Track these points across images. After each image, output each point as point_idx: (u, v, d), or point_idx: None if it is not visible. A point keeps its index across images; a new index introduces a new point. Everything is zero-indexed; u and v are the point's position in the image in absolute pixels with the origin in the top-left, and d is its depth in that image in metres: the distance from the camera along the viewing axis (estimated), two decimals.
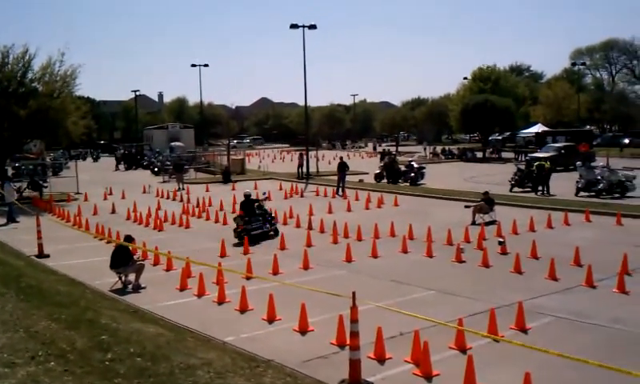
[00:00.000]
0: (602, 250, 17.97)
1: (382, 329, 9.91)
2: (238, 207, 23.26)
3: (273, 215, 22.36)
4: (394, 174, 40.60)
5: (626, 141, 76.13)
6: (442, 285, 14.56)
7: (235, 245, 19.91)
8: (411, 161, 43.83)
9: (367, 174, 44.52)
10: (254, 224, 20.96)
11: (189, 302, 13.56)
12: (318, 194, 34.61)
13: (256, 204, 21.76)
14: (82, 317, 10.91)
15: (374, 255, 17.97)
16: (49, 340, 9.22)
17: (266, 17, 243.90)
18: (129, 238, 15.63)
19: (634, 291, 13.53)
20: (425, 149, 73.20)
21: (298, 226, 23.61)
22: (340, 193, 34.21)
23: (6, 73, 33.82)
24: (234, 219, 21.45)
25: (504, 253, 17.77)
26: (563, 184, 33.25)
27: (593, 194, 30.33)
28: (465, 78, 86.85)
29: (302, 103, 55.00)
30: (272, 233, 21.51)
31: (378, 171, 42.04)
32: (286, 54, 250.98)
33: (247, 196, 21.77)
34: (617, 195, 29.84)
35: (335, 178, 36.90)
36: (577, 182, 31.65)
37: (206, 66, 74.41)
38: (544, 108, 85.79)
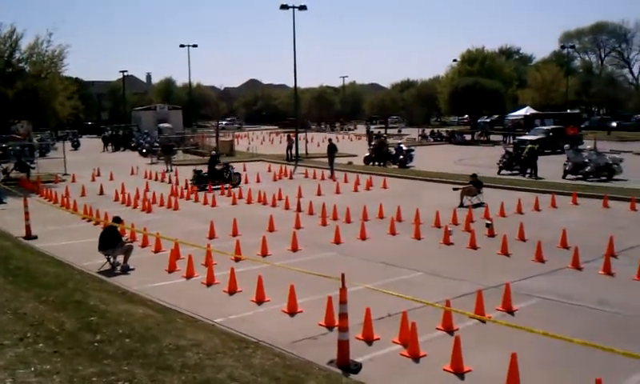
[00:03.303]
0: (589, 233, 18.12)
1: (370, 310, 9.99)
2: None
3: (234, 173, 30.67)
4: (383, 157, 40.64)
5: (614, 124, 76.62)
6: (429, 266, 14.64)
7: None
8: (400, 143, 43.84)
9: (356, 156, 44.51)
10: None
11: (177, 284, 13.57)
12: (307, 176, 34.60)
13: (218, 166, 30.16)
14: (71, 298, 10.90)
15: (363, 237, 18.03)
16: (37, 321, 9.21)
17: None
18: (117, 220, 15.59)
19: (619, 273, 13.68)
20: (399, 130, 72.92)
21: (287, 207, 23.63)
22: (332, 174, 34.19)
23: None
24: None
25: (491, 235, 17.88)
26: (551, 167, 33.42)
27: (580, 176, 30.55)
28: (454, 61, 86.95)
29: (291, 85, 54.64)
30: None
31: (368, 154, 42.07)
32: (275, 36, 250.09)
33: (213, 156, 30.99)
34: (604, 178, 30.05)
35: (325, 160, 36.75)
36: (564, 164, 31.84)
37: (195, 46, 74.03)
38: (533, 91, 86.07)
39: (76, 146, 62.72)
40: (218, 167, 30.27)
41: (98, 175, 35.25)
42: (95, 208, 22.55)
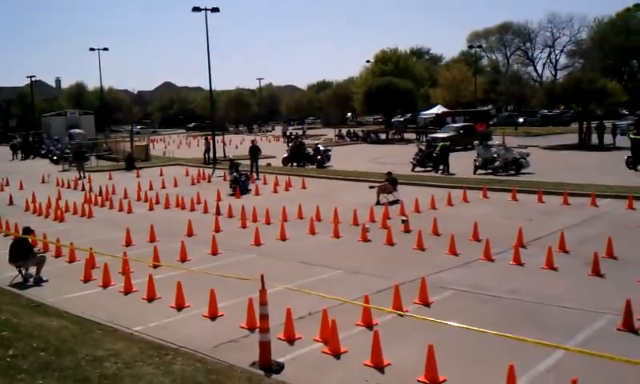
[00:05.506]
0: (499, 225, 18.82)
1: (291, 310, 10.07)
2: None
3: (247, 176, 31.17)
4: (300, 157, 40.86)
5: (521, 120, 79.83)
6: (348, 264, 14.89)
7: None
8: (317, 144, 44.19)
9: (275, 157, 44.54)
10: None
11: (94, 294, 13.26)
12: (225, 179, 34.31)
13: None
14: None
15: (283, 238, 18.12)
16: None
17: None
18: (28, 230, 15.07)
19: (528, 263, 14.31)
20: (304, 132, 73.18)
21: (205, 211, 23.42)
22: (258, 177, 33.87)
23: None
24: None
25: (407, 231, 18.32)
26: (462, 162, 34.47)
27: (490, 171, 31.60)
28: (368, 61, 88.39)
29: (207, 87, 54.21)
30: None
31: (286, 155, 42.18)
32: (189, 38, 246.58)
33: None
34: (512, 172, 31.20)
35: (246, 162, 36.17)
36: (474, 160, 32.89)
37: (106, 49, 71.92)
38: (443, 90, 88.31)
39: None
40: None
41: (7, 184, 33.92)
42: (4, 219, 21.67)
